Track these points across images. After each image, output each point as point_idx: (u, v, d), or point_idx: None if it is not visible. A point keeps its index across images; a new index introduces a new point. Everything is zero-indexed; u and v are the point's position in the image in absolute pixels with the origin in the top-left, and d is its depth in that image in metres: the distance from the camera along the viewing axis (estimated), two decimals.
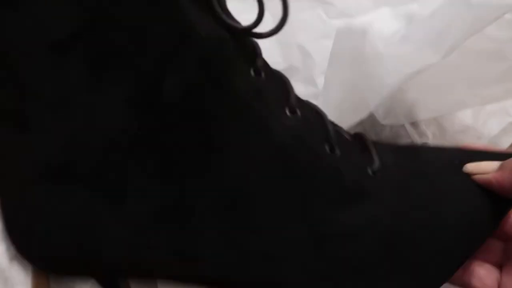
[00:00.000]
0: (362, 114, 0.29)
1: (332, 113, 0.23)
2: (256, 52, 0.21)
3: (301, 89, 0.32)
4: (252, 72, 0.20)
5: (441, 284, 0.23)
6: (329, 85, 0.29)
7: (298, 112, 0.21)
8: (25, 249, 0.21)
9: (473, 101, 0.28)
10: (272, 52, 0.32)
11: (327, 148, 0.21)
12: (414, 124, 0.35)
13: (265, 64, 0.22)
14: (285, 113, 0.21)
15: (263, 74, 0.21)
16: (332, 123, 0.23)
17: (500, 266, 0.24)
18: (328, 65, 0.29)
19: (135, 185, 0.20)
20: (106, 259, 0.21)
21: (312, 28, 0.32)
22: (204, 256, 0.20)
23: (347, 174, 0.22)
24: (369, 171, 0.22)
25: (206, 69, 0.19)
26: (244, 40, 0.21)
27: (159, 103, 0.19)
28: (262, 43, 0.25)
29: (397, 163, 0.23)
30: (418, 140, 0.35)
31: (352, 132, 0.25)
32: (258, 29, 0.19)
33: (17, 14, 0.17)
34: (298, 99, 0.22)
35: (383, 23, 0.27)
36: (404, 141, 0.38)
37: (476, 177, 0.23)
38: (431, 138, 0.37)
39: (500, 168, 0.22)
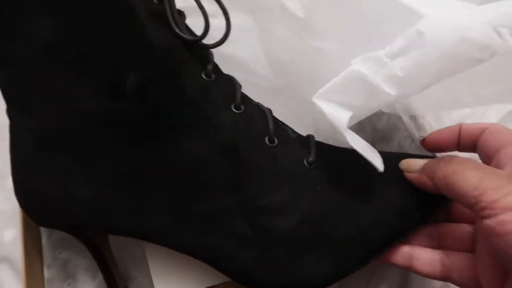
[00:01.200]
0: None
1: None
2: (208, 58, 0.26)
3: (293, 107, 0.32)
4: (203, 75, 0.25)
5: (359, 263, 0.26)
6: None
7: (242, 109, 0.26)
8: (22, 202, 0.27)
9: (471, 101, 0.28)
10: (262, 65, 0.32)
11: (266, 139, 0.26)
12: (412, 117, 0.35)
13: (216, 68, 0.27)
14: (231, 109, 0.26)
15: (213, 76, 0.26)
16: (276, 121, 0.28)
17: (439, 248, 0.26)
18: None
19: (102, 153, 0.25)
20: (74, 214, 0.26)
21: (293, 46, 0.30)
22: (149, 214, 0.25)
23: (282, 161, 0.26)
24: (305, 162, 0.27)
25: (158, 69, 0.24)
26: (196, 48, 0.25)
27: (122, 94, 0.24)
28: (250, 55, 0.31)
29: (335, 159, 0.28)
30: (415, 132, 0.34)
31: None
32: (207, 41, 0.25)
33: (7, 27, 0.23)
34: (244, 99, 0.27)
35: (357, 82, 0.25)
36: (401, 133, 0.38)
37: (405, 174, 0.26)
38: (429, 129, 0.36)
39: (420, 170, 0.25)
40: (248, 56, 0.31)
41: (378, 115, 0.39)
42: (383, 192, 0.26)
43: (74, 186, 0.25)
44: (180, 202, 0.25)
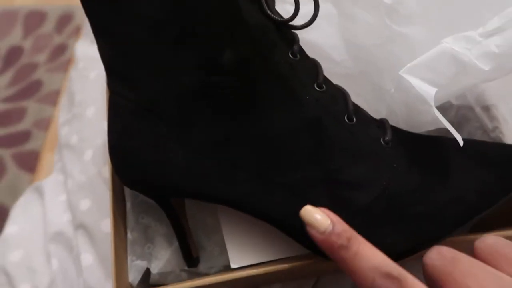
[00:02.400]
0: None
1: None
2: (294, 40, 0.28)
3: (366, 94, 0.33)
4: (289, 54, 0.28)
5: (432, 240, 0.26)
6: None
7: (324, 88, 0.28)
8: (117, 166, 0.30)
9: None
10: (340, 51, 0.33)
11: (346, 117, 0.28)
12: (485, 108, 0.35)
13: (301, 49, 0.29)
14: (314, 87, 0.28)
15: (298, 56, 0.28)
16: (354, 103, 0.29)
17: None
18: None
19: (196, 123, 0.27)
20: (166, 178, 0.28)
21: (376, 31, 0.31)
22: (238, 181, 0.27)
23: (361, 138, 0.27)
24: (381, 141, 0.28)
25: (254, 47, 0.26)
26: (284, 30, 0.28)
27: (219, 69, 0.26)
28: (328, 42, 0.33)
29: (410, 141, 0.28)
30: (488, 124, 0.35)
31: None
32: (295, 23, 0.27)
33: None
34: (326, 79, 0.29)
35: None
36: (471, 124, 0.38)
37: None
38: (502, 120, 0.36)
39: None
40: (326, 42, 0.32)
41: (446, 108, 0.39)
42: (462, 172, 0.27)
43: (168, 152, 0.28)
44: (266, 171, 0.27)
